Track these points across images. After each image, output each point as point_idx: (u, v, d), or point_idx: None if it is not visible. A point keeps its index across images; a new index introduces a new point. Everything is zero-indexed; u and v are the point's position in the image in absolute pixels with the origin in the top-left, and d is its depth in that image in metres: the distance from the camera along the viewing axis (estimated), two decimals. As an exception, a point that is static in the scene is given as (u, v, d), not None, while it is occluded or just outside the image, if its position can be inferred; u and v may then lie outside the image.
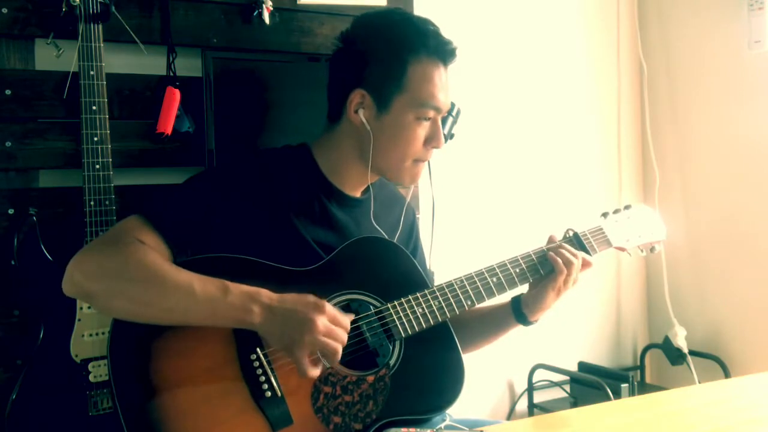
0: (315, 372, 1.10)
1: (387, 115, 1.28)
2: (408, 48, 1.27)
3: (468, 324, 1.42)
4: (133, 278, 1.11)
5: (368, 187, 1.40)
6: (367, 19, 1.35)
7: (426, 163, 1.36)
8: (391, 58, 1.27)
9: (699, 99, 2.50)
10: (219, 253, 1.20)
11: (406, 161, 1.31)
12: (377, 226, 1.37)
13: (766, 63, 2.27)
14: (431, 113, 1.29)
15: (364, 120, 1.29)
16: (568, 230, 1.39)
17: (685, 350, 2.47)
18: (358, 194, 1.39)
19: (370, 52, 1.29)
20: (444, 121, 1.57)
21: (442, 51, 1.30)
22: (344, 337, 1.11)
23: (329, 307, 1.11)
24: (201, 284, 1.11)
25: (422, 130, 1.30)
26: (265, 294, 1.11)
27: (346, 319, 1.13)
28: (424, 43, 1.28)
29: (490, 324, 1.44)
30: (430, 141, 1.31)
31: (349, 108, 1.30)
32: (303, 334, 1.07)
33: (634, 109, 2.70)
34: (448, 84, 1.31)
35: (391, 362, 1.22)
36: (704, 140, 2.49)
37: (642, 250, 1.47)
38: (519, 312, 1.37)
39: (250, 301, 1.10)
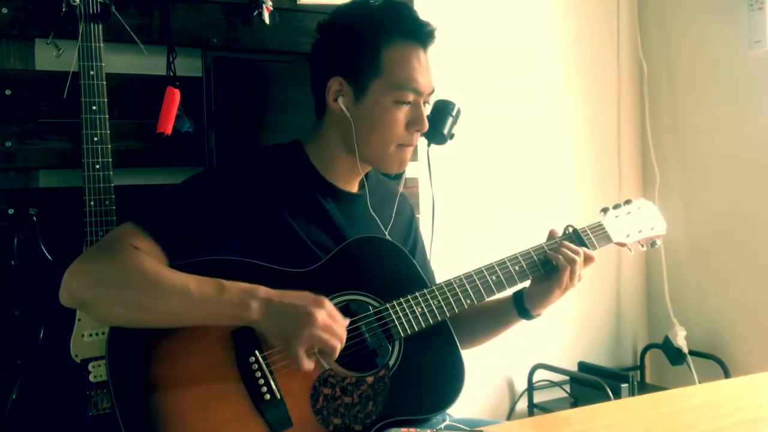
0: (310, 365, 1.10)
1: (365, 101, 1.28)
2: (382, 32, 1.27)
3: (468, 319, 1.41)
4: (128, 284, 1.11)
5: (363, 180, 1.39)
6: (344, 8, 1.35)
7: (413, 148, 1.34)
8: (366, 43, 1.28)
9: (699, 99, 2.50)
10: (215, 256, 1.19)
11: (389, 147, 1.31)
12: (376, 218, 1.36)
13: (766, 63, 2.27)
14: (410, 96, 1.29)
15: (344, 107, 1.29)
16: (567, 227, 1.39)
17: (685, 350, 2.46)
18: (354, 189, 1.38)
19: (345, 39, 1.30)
20: (444, 120, 1.57)
21: (418, 33, 1.29)
22: (343, 334, 1.11)
23: (328, 303, 1.12)
24: (197, 284, 1.10)
25: (402, 113, 1.29)
26: (263, 290, 1.11)
27: (344, 319, 1.14)
28: (399, 27, 1.28)
29: (492, 319, 1.43)
30: (413, 125, 1.30)
31: (329, 96, 1.30)
32: (302, 328, 1.07)
33: (634, 109, 2.70)
34: (428, 67, 1.31)
35: (391, 362, 1.21)
36: (704, 140, 2.49)
37: (642, 245, 1.47)
38: (521, 307, 1.37)
39: (248, 296, 1.10)
